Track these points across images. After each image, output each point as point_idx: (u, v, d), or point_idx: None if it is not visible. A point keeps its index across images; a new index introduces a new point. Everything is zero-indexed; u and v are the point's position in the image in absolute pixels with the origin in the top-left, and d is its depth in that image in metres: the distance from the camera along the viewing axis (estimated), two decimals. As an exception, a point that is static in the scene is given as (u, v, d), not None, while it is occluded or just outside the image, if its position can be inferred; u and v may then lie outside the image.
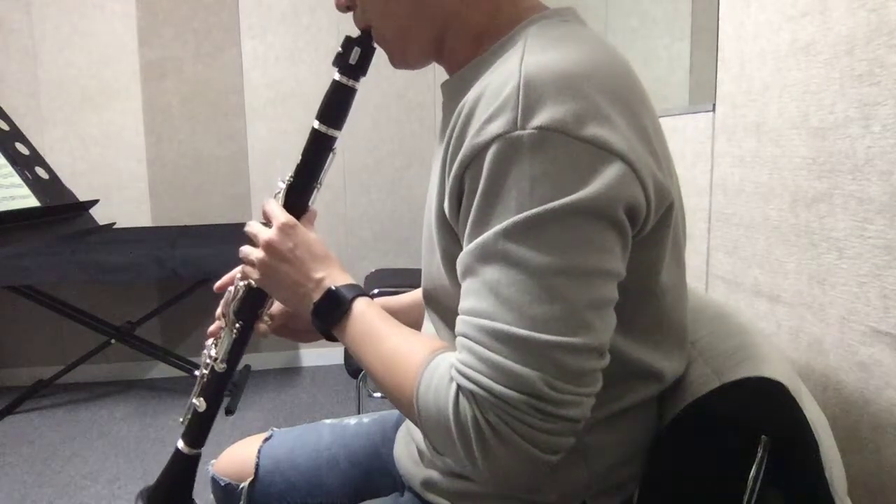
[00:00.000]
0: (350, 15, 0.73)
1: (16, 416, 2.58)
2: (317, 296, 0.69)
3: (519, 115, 0.52)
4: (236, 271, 0.83)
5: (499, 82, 0.55)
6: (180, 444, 0.83)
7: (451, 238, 0.62)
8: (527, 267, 0.51)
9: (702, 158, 1.28)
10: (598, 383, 0.53)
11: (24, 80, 2.81)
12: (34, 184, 2.55)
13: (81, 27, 2.83)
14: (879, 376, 0.81)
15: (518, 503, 0.67)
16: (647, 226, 0.56)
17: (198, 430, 0.83)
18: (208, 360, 0.82)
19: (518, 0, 0.66)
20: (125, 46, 2.88)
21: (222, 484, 0.95)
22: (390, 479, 0.87)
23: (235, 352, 0.82)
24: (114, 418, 2.56)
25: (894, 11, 0.77)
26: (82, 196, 2.79)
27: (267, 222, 0.74)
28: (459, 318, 0.55)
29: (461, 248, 0.57)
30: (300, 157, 0.75)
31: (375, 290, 1.87)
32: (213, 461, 0.99)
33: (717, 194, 1.22)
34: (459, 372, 0.53)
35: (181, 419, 0.84)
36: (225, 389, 0.83)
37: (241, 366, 0.84)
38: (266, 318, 0.83)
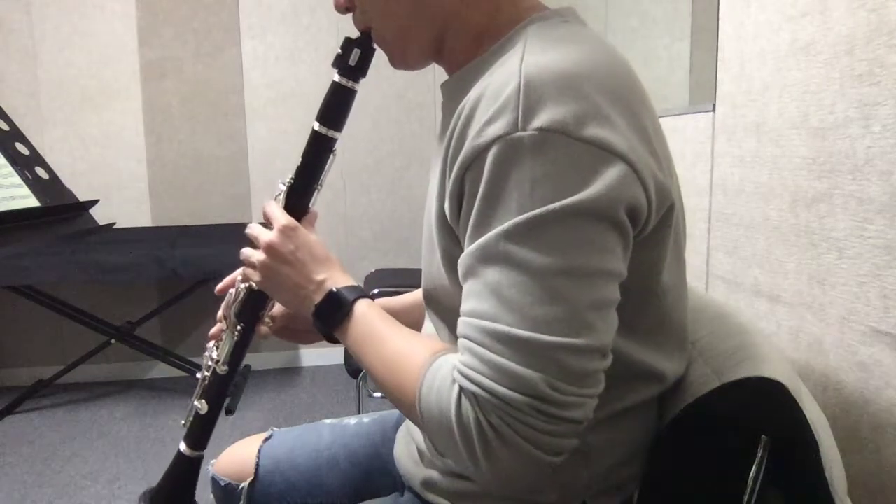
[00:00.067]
0: (350, 15, 0.73)
1: (16, 416, 2.59)
2: (318, 298, 0.69)
3: (520, 117, 0.52)
4: (237, 273, 0.82)
5: (499, 83, 0.55)
6: (182, 446, 0.83)
7: (451, 239, 0.62)
8: (528, 268, 0.51)
9: (702, 158, 1.28)
10: (600, 384, 0.53)
11: (24, 80, 2.81)
12: (34, 184, 2.55)
13: (81, 27, 2.83)
14: (879, 376, 0.81)
15: (518, 503, 0.67)
16: (648, 226, 0.56)
17: (199, 432, 0.83)
18: (210, 363, 0.82)
19: (518, 0, 0.66)
20: (125, 46, 2.88)
21: (222, 484, 0.95)
22: (390, 479, 0.88)
23: (237, 354, 0.82)
24: (114, 418, 2.56)
25: (894, 11, 0.77)
26: (82, 196, 2.79)
27: (268, 224, 0.74)
28: (461, 320, 0.55)
29: (462, 249, 0.57)
30: (300, 159, 0.75)
31: (375, 290, 1.87)
32: (213, 461, 0.99)
33: (717, 194, 1.22)
34: (461, 374, 0.53)
35: (183, 421, 0.84)
36: (227, 392, 0.83)
37: (241, 366, 0.84)
38: (267, 320, 0.83)
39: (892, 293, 0.78)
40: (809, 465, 0.58)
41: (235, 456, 0.97)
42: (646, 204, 0.54)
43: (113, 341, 2.72)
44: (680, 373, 0.69)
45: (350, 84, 0.73)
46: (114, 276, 2.33)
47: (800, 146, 0.96)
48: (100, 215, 2.85)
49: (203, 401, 0.82)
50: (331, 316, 0.68)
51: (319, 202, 0.76)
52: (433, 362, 0.58)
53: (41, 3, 2.78)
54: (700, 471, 0.61)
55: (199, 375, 0.84)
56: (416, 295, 0.93)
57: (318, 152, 0.75)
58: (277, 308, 0.87)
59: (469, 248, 0.55)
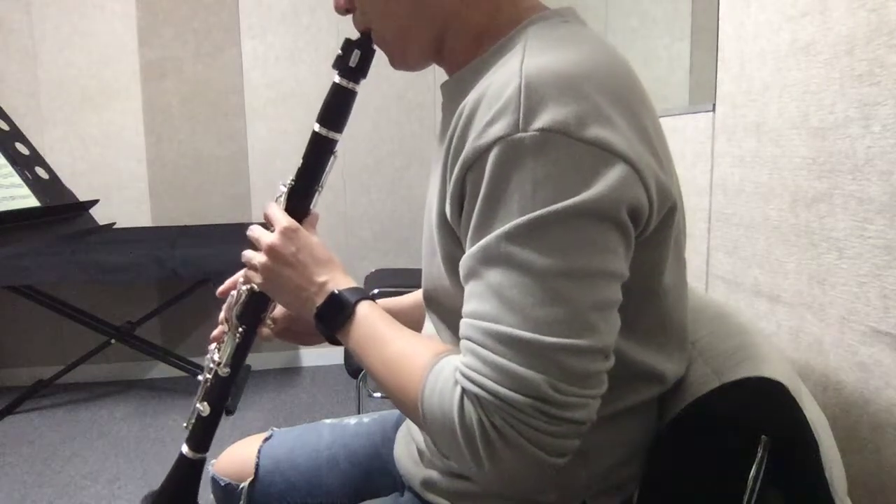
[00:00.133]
0: (350, 16, 0.73)
1: (16, 416, 2.59)
2: (320, 300, 0.69)
3: (521, 118, 0.52)
4: (239, 275, 0.82)
5: (499, 84, 0.55)
6: (184, 448, 0.83)
7: (452, 240, 0.62)
8: (530, 269, 0.51)
9: (702, 158, 1.28)
10: (603, 385, 0.53)
11: (24, 80, 2.81)
12: (34, 184, 2.55)
13: (81, 27, 2.83)
14: (879, 376, 0.81)
15: (518, 503, 0.67)
16: (649, 226, 0.56)
17: (202, 435, 0.83)
18: (212, 365, 0.82)
19: (518, 0, 0.66)
20: (125, 46, 2.88)
21: (222, 484, 0.95)
22: (390, 479, 0.88)
23: (239, 356, 0.82)
24: (114, 418, 2.56)
25: (894, 11, 0.77)
26: (82, 196, 2.79)
27: (269, 226, 0.74)
28: (463, 321, 0.55)
29: (463, 251, 0.57)
30: (301, 161, 0.75)
31: (375, 290, 1.87)
32: (213, 461, 0.99)
33: (717, 194, 1.23)
34: (464, 375, 0.53)
35: (185, 424, 0.84)
36: (229, 394, 0.83)
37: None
38: (269, 321, 0.83)
39: (892, 293, 0.78)
40: (809, 465, 0.58)
41: (235, 456, 0.98)
42: (647, 204, 0.54)
43: (113, 341, 2.72)
44: (680, 373, 0.69)
45: (350, 85, 0.73)
46: (114, 276, 2.33)
47: (800, 146, 0.96)
48: (100, 215, 2.85)
49: (205, 403, 0.82)
50: (333, 318, 0.68)
51: (319, 203, 0.76)
52: (436, 364, 0.58)
53: (41, 3, 2.78)
54: (700, 471, 0.61)
55: (200, 378, 0.84)
56: (416, 296, 0.93)
57: (318, 154, 0.75)
58: (279, 310, 0.87)
59: (470, 250, 0.55)
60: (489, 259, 0.53)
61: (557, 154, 0.51)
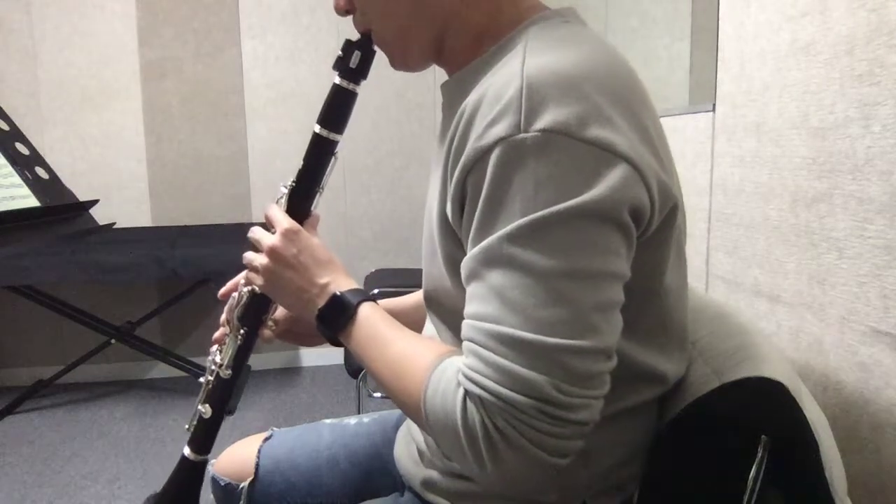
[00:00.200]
0: (350, 16, 0.73)
1: (16, 416, 2.59)
2: (321, 301, 0.69)
3: (522, 118, 0.52)
4: (240, 277, 0.82)
5: (500, 85, 0.55)
6: (186, 450, 0.83)
7: (453, 241, 0.62)
8: (532, 270, 0.51)
9: (702, 158, 1.29)
10: (605, 386, 0.53)
11: (24, 80, 2.81)
12: (34, 184, 2.55)
13: (81, 27, 2.83)
14: (879, 376, 0.81)
15: (519, 503, 0.67)
16: (651, 227, 0.56)
17: (203, 437, 0.83)
18: (213, 367, 0.82)
19: (518, 0, 0.66)
20: (125, 46, 2.88)
21: (222, 484, 0.95)
22: (390, 479, 0.88)
23: (240, 358, 0.82)
24: (114, 418, 2.56)
25: (894, 11, 0.77)
26: (82, 196, 2.79)
27: (270, 228, 0.74)
28: (465, 323, 0.55)
29: (464, 252, 0.57)
30: (302, 162, 0.75)
31: (375, 290, 1.87)
32: (213, 461, 0.99)
33: (717, 194, 1.23)
34: (466, 376, 0.53)
35: (187, 426, 0.84)
36: (231, 396, 0.83)
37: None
38: (270, 323, 0.83)
39: (892, 293, 0.78)
40: (809, 465, 0.58)
41: (235, 456, 0.98)
42: (649, 205, 0.54)
43: (113, 341, 2.72)
44: (681, 373, 0.69)
45: (351, 86, 0.73)
46: (114, 276, 2.33)
47: (800, 146, 0.96)
48: (100, 215, 2.85)
49: (207, 405, 0.82)
50: (334, 319, 0.68)
51: (319, 203, 0.76)
52: (438, 365, 0.58)
53: (41, 3, 2.78)
54: (700, 471, 0.61)
55: (202, 380, 0.84)
56: (417, 296, 0.93)
57: (319, 155, 0.75)
58: (280, 311, 0.87)
59: (472, 251, 0.55)
60: (491, 260, 0.53)
61: (559, 155, 0.51)
